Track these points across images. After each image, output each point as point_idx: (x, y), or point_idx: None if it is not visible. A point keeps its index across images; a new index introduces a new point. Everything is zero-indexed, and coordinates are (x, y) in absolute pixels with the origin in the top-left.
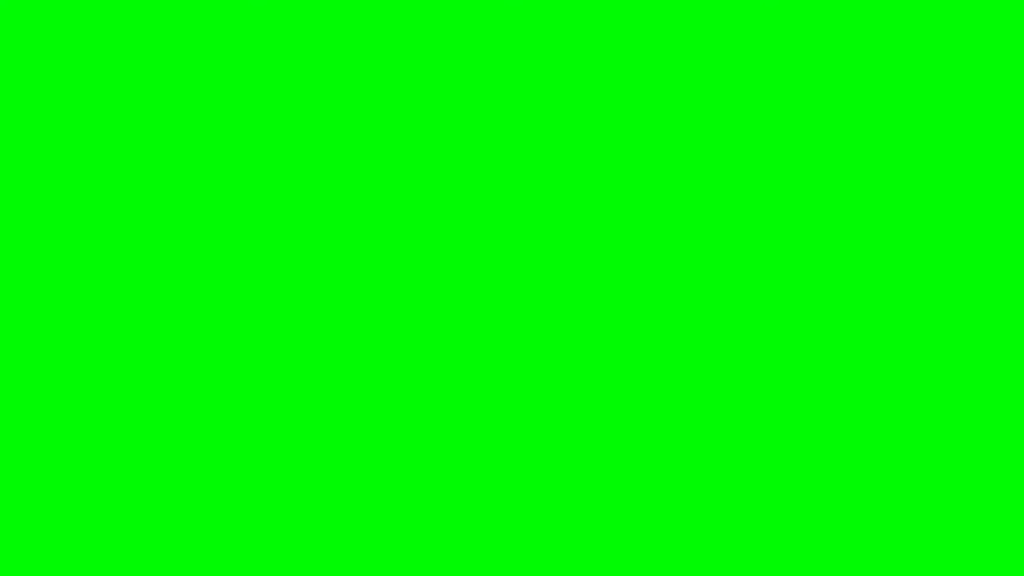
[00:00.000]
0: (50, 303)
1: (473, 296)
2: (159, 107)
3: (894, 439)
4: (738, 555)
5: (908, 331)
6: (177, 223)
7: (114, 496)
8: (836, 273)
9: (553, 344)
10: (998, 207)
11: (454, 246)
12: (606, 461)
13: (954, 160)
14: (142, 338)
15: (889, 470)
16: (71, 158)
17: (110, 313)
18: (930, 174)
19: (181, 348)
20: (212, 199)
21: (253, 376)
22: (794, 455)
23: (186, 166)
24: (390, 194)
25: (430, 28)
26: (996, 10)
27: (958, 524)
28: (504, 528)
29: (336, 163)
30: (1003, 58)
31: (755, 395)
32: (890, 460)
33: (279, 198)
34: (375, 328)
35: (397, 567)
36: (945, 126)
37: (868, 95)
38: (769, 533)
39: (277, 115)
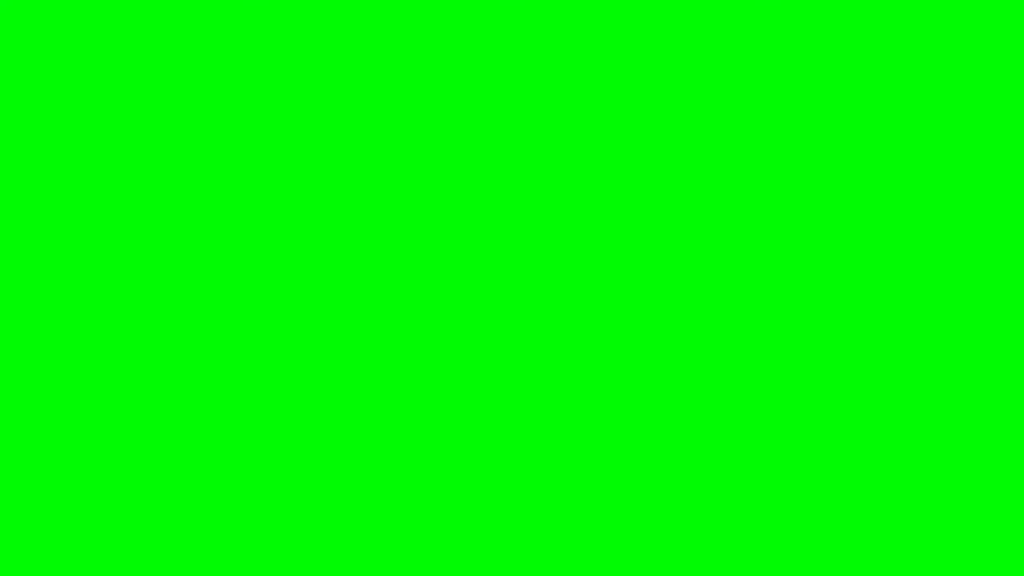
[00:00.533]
0: (50, 303)
1: (473, 296)
2: (159, 107)
3: (894, 439)
4: (738, 555)
5: (908, 331)
6: (177, 223)
7: (114, 496)
8: (836, 273)
9: (552, 344)
10: (998, 207)
11: (454, 246)
12: (606, 461)
13: (954, 160)
14: (142, 338)
15: (889, 470)
16: (71, 158)
17: (110, 313)
18: (930, 174)
19: (181, 348)
20: (212, 199)
21: (253, 376)
22: (794, 455)
23: (186, 166)
24: (390, 194)
25: (430, 28)
26: (996, 10)
27: (958, 524)
28: (504, 528)
29: (336, 163)
30: (1003, 58)
31: (755, 395)
32: (890, 460)
33: (279, 198)
34: (375, 328)
35: (397, 567)
36: (945, 126)
37: (868, 95)
38: (769, 533)
39: (277, 115)
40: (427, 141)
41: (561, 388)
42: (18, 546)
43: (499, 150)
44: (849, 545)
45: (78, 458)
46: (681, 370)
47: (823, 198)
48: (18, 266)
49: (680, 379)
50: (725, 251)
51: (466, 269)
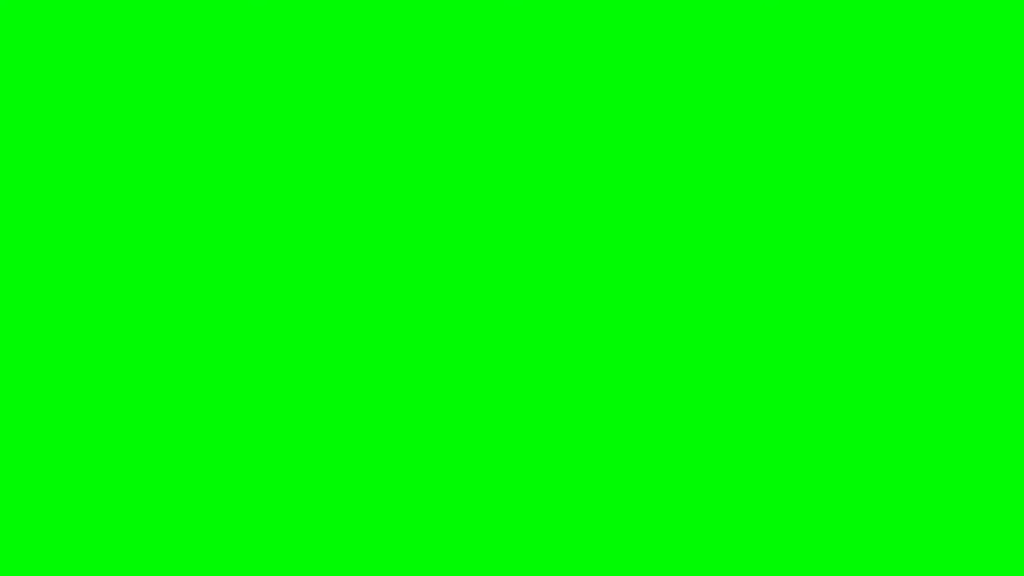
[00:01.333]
0: (50, 303)
1: (473, 296)
2: (159, 107)
3: (894, 439)
4: (738, 555)
5: (908, 331)
6: (177, 223)
7: (114, 496)
8: (836, 273)
9: (552, 344)
10: (998, 207)
11: (454, 246)
12: (606, 461)
13: (954, 160)
14: (142, 338)
15: (889, 470)
16: (71, 158)
17: (110, 313)
18: (930, 174)
19: (181, 348)
20: (212, 199)
21: (253, 376)
22: (794, 455)
23: (186, 166)
24: (390, 194)
25: (430, 28)
26: (996, 10)
27: (958, 524)
28: (504, 528)
29: (336, 163)
30: (1003, 58)
31: (755, 395)
32: (890, 460)
33: (279, 198)
34: (375, 328)
35: (397, 567)
36: (945, 126)
37: (868, 95)
38: (769, 533)
39: (277, 115)
40: (427, 141)
41: (560, 387)
42: (18, 546)
43: (499, 150)
44: (849, 545)
45: (78, 458)
46: (681, 370)
47: (823, 198)
48: (18, 266)
49: (680, 379)
50: (725, 251)
51: (466, 269)
